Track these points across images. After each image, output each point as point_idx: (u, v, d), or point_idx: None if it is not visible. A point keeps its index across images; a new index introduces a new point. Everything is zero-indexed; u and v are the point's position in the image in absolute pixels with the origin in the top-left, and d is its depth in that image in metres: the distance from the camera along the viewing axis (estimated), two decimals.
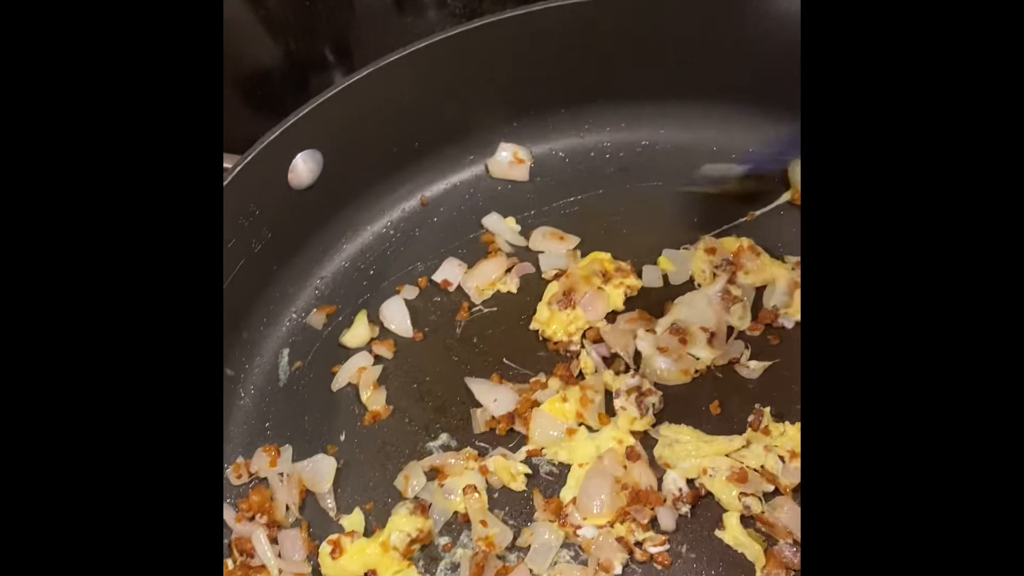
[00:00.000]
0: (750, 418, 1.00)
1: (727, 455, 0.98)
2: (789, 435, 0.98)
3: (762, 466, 0.97)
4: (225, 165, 1.06)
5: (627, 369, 1.06)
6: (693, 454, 0.99)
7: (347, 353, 1.11)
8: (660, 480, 0.98)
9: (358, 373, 1.09)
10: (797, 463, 0.97)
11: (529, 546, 0.95)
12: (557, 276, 1.14)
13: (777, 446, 0.97)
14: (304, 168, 1.09)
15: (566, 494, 0.98)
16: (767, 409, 1.00)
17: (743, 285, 1.10)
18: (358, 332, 1.12)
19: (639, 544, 0.94)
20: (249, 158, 1.02)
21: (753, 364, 1.05)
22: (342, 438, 1.05)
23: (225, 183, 1.00)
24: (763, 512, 0.94)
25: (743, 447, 0.98)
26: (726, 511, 0.96)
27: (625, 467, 0.98)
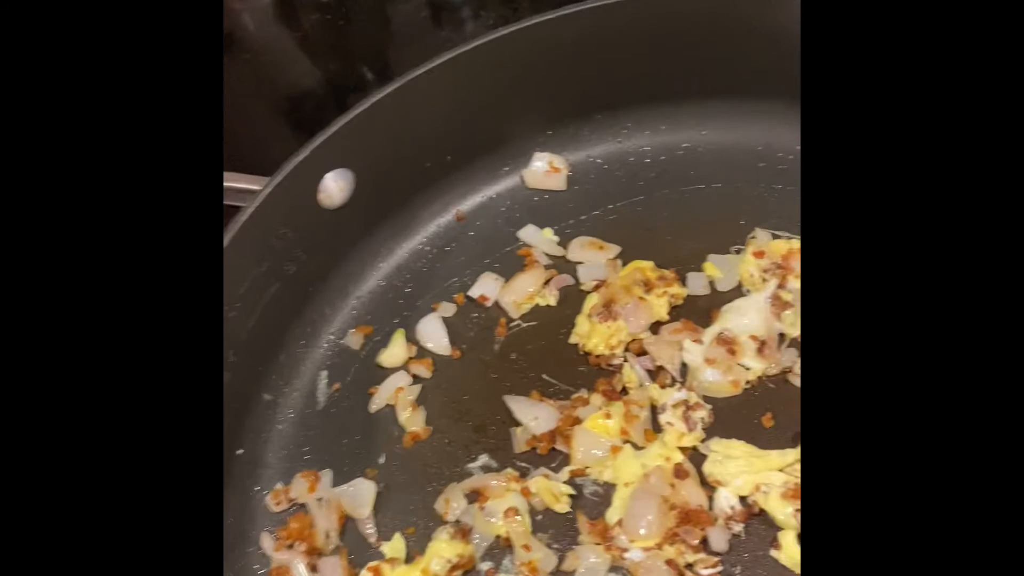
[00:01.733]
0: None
1: (781, 470, 0.92)
2: None
3: None
4: (255, 188, 1.05)
5: (673, 382, 1.01)
6: (745, 470, 0.93)
7: (385, 373, 1.09)
8: (711, 499, 0.93)
9: (396, 394, 1.06)
10: None
11: (575, 571, 0.91)
12: (597, 287, 1.10)
13: None
14: (335, 187, 1.08)
15: (612, 515, 0.94)
16: None
17: (794, 290, 1.04)
18: (395, 352, 1.10)
19: (690, 567, 0.89)
20: (278, 180, 1.02)
21: None
22: (382, 461, 1.03)
23: (256, 206, 1.00)
24: None
25: (798, 461, 0.92)
26: (781, 529, 0.90)
27: (673, 485, 0.93)
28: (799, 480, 0.91)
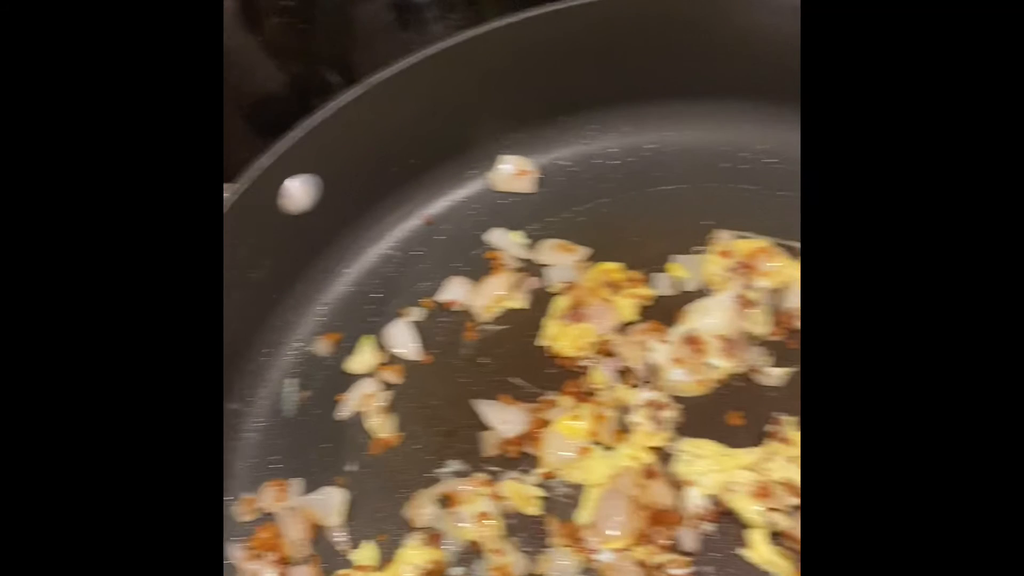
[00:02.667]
0: (769, 428, 0.95)
1: (749, 468, 0.93)
2: None
3: (787, 479, 0.91)
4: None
5: (641, 383, 1.01)
6: (714, 469, 0.94)
7: (353, 380, 1.08)
8: (680, 498, 0.93)
9: (365, 400, 1.06)
10: None
11: (546, 574, 0.91)
12: (565, 289, 1.10)
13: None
14: (299, 192, 1.07)
15: (582, 517, 0.94)
16: (788, 418, 0.95)
17: (760, 288, 1.05)
18: (364, 358, 1.09)
19: (660, 567, 0.89)
20: (241, 186, 1.01)
21: (774, 371, 1.00)
22: (351, 468, 1.02)
23: None
24: (790, 528, 0.89)
25: (765, 459, 0.93)
26: (750, 528, 0.91)
27: (642, 486, 0.94)
28: (767, 478, 0.92)
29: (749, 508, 0.91)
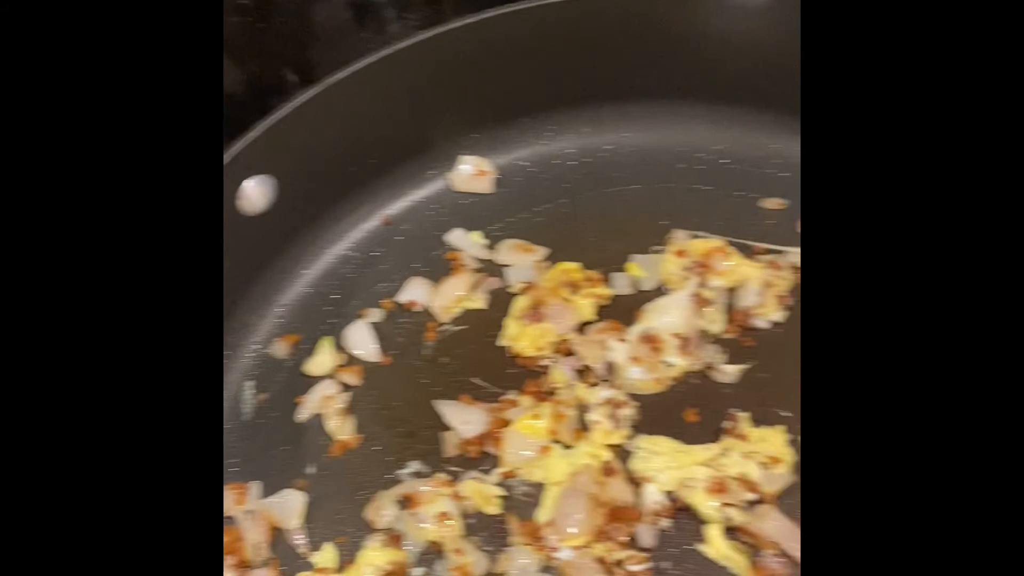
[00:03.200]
0: (726, 424, 0.96)
1: (705, 464, 0.95)
2: (769, 440, 0.95)
3: (742, 474, 0.93)
4: None
5: (600, 381, 1.03)
6: (671, 465, 0.95)
7: (312, 382, 1.07)
8: (638, 495, 0.95)
9: (324, 402, 1.05)
10: (779, 469, 0.93)
11: (506, 572, 0.92)
12: (525, 289, 1.11)
13: (756, 452, 0.94)
14: (256, 193, 1.06)
15: (542, 515, 0.95)
16: (743, 414, 0.97)
17: (714, 287, 1.07)
18: (323, 360, 1.09)
19: (619, 564, 0.91)
20: None
21: (729, 368, 1.02)
22: (311, 470, 1.02)
23: None
24: (746, 523, 0.91)
25: (721, 455, 0.95)
26: (707, 523, 0.92)
27: (601, 483, 0.95)
28: (723, 474, 0.93)
29: (705, 504, 0.92)
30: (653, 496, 0.94)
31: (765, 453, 0.94)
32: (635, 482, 0.95)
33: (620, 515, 0.92)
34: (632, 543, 0.92)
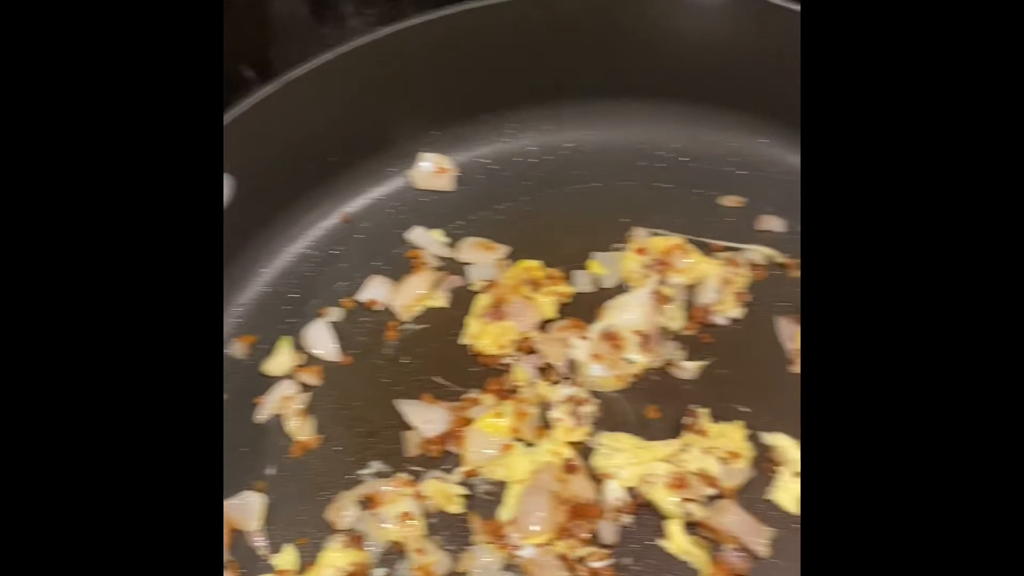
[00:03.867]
0: (686, 420, 0.97)
1: (666, 460, 0.95)
2: (728, 435, 0.96)
3: (702, 470, 0.94)
4: None
5: (561, 379, 1.03)
6: (632, 462, 0.96)
7: (271, 382, 1.06)
8: (599, 491, 0.95)
9: (283, 403, 1.04)
10: (738, 464, 0.95)
11: (468, 572, 0.92)
12: (487, 287, 1.10)
13: (716, 447, 0.95)
14: None
15: (504, 514, 0.95)
16: (702, 410, 0.98)
17: (674, 284, 1.08)
18: (281, 360, 1.07)
19: (581, 560, 0.91)
20: None
21: (688, 365, 1.03)
22: (270, 472, 1.00)
23: None
24: (706, 518, 0.92)
25: (681, 451, 0.95)
26: (668, 519, 0.93)
27: (563, 481, 0.95)
28: (683, 469, 0.94)
29: (666, 499, 0.93)
30: (615, 492, 0.94)
31: (724, 448, 0.95)
32: (597, 479, 0.96)
33: (582, 512, 0.93)
34: (594, 540, 0.92)
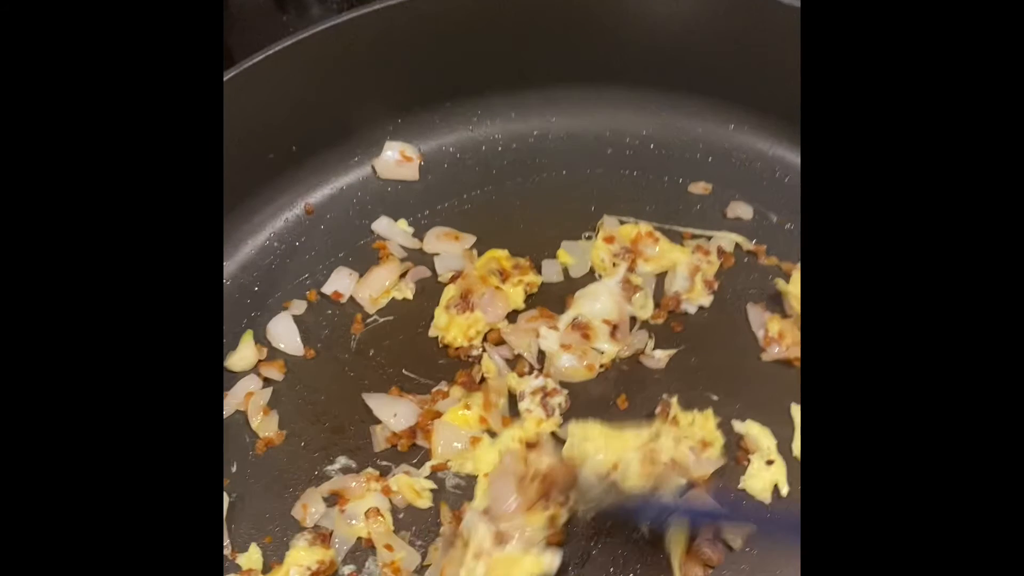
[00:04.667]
0: (657, 409, 0.97)
1: (638, 450, 0.94)
2: (699, 424, 0.96)
3: (674, 459, 0.93)
4: None
5: (531, 370, 1.02)
6: (603, 449, 0.95)
7: (234, 378, 1.04)
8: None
9: (246, 399, 1.01)
10: (709, 453, 0.94)
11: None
12: (454, 278, 1.09)
13: (687, 437, 0.95)
14: None
15: (478, 506, 0.93)
16: (674, 399, 0.97)
17: (643, 273, 1.07)
18: (244, 354, 1.05)
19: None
20: None
21: (658, 354, 1.02)
22: (233, 469, 0.98)
23: None
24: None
25: (652, 440, 0.95)
26: None
27: (526, 459, 0.93)
28: (653, 454, 0.93)
29: (639, 485, 0.92)
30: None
31: (695, 438, 0.95)
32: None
33: (552, 477, 0.91)
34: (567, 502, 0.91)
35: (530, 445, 0.95)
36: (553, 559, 0.87)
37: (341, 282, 1.10)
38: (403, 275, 1.10)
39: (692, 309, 1.05)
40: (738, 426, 0.96)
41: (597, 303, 1.04)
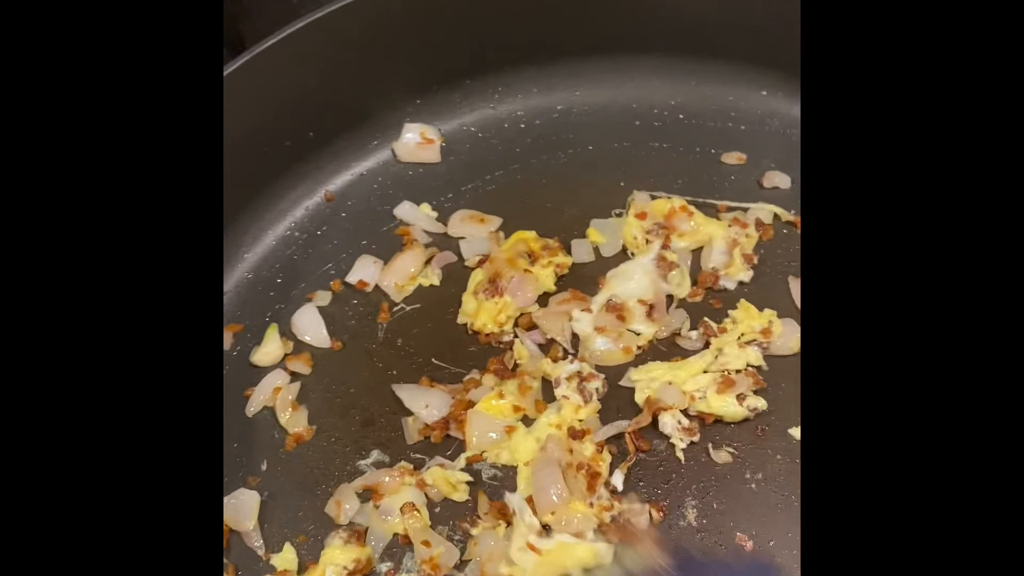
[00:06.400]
0: (700, 331, 0.98)
1: (705, 371, 0.94)
2: (753, 317, 0.97)
3: (747, 365, 0.94)
4: None
5: (565, 355, 0.98)
6: (672, 380, 0.93)
7: (260, 373, 1.01)
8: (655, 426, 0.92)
9: (274, 394, 0.99)
10: (775, 336, 0.95)
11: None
12: (481, 263, 1.05)
13: (743, 335, 0.95)
14: None
15: (522, 494, 0.89)
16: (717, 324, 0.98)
17: (678, 249, 1.03)
18: (270, 349, 1.02)
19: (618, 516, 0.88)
20: None
21: (694, 333, 0.98)
22: (264, 467, 0.96)
23: None
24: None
25: (716, 358, 0.94)
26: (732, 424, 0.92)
27: (571, 448, 0.90)
28: (725, 372, 0.93)
29: (721, 404, 0.91)
30: (673, 419, 0.91)
31: (754, 331, 0.96)
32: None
33: (598, 474, 0.89)
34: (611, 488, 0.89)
35: (574, 435, 0.91)
36: (607, 549, 0.85)
37: (365, 270, 1.07)
38: (428, 261, 1.07)
39: (731, 285, 1.01)
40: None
41: (631, 282, 1.00)
